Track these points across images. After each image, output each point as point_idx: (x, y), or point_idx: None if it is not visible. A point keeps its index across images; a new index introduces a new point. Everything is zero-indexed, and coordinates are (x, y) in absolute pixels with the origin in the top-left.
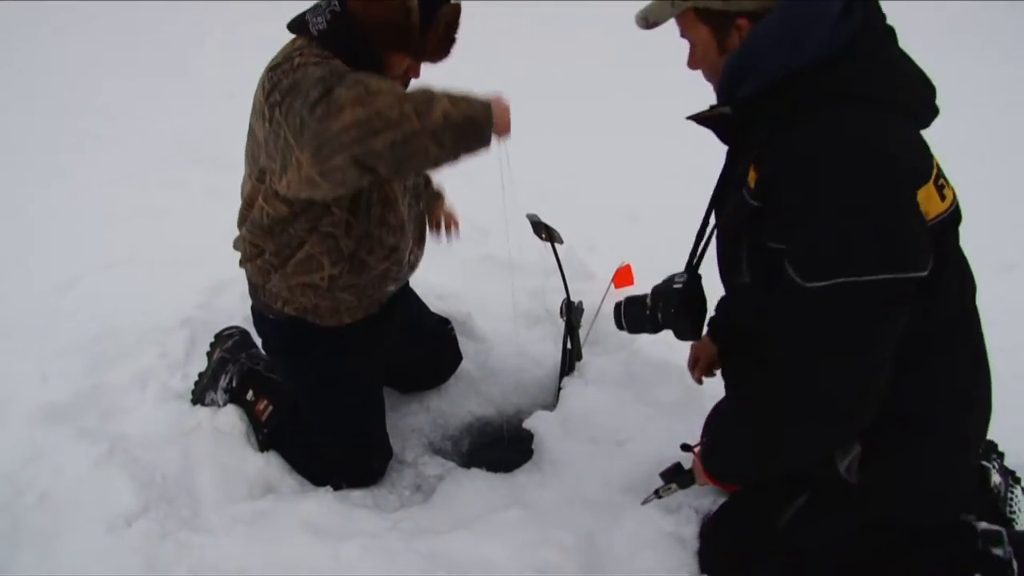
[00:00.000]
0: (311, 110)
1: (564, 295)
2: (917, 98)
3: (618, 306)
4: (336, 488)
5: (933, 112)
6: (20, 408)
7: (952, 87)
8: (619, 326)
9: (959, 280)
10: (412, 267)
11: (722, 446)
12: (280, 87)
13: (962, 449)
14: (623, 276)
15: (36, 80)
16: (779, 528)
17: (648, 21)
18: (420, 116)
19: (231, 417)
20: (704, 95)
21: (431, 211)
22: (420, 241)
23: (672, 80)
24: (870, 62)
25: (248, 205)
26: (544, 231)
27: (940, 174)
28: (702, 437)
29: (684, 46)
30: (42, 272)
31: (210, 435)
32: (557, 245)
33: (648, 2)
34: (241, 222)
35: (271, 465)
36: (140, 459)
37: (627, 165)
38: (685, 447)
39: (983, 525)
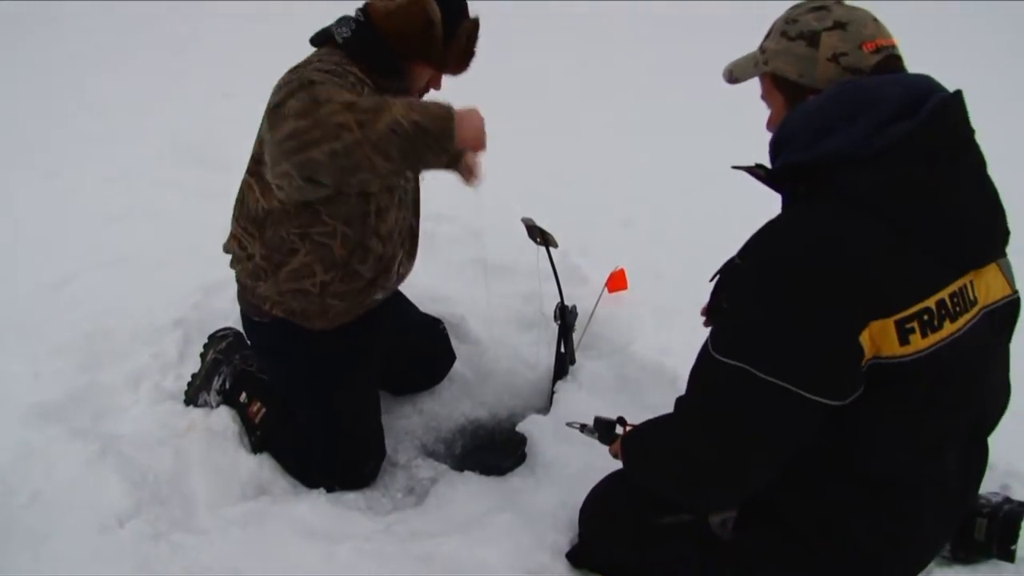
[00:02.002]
0: (267, 117)
1: (558, 299)
2: (946, 235)
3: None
4: (329, 490)
5: (972, 257)
6: (12, 407)
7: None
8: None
9: (919, 446)
10: (401, 278)
11: (632, 445)
12: (279, 85)
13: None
14: (617, 280)
15: (31, 78)
16: (654, 524)
17: (732, 75)
18: (362, 126)
19: (224, 418)
20: (694, 102)
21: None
22: (411, 254)
23: (668, 84)
24: (892, 176)
25: (242, 194)
26: (539, 235)
27: (921, 317)
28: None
29: (680, 53)
30: (35, 271)
31: (203, 436)
32: (552, 249)
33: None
34: (235, 217)
35: (264, 467)
36: (133, 459)
37: (621, 169)
38: (621, 420)
39: None
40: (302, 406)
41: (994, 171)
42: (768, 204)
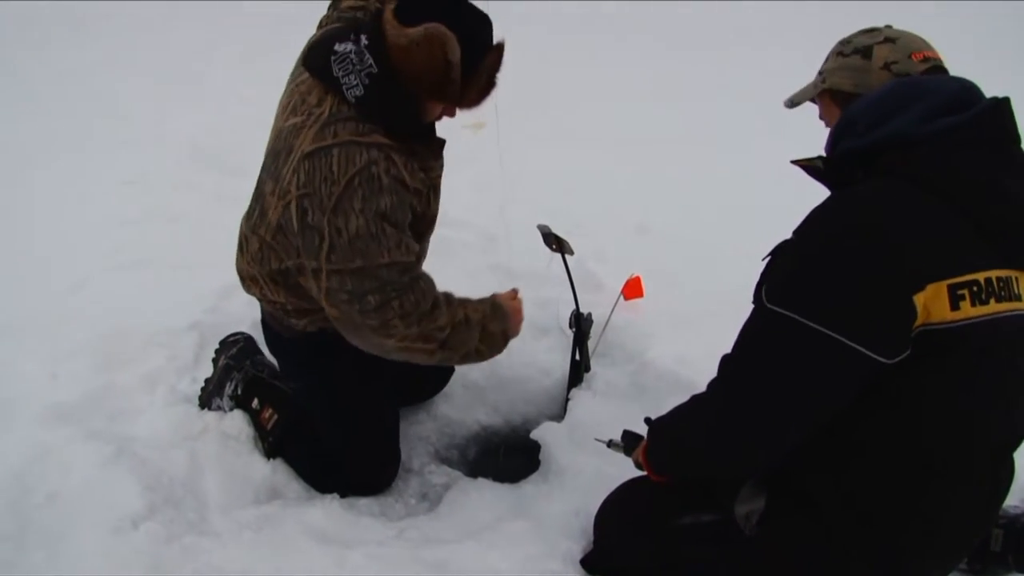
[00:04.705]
0: (363, 313)
1: (573, 306)
2: (997, 218)
3: None
4: (342, 496)
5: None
6: (29, 408)
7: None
8: None
9: (960, 425)
10: None
11: (659, 434)
12: (319, 194)
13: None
14: (633, 287)
15: (50, 81)
16: (673, 525)
17: (793, 102)
18: (453, 349)
19: (238, 421)
20: (712, 108)
21: None
22: None
23: (683, 88)
24: (944, 157)
25: (262, 253)
26: (555, 242)
27: (971, 287)
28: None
29: (697, 59)
30: (53, 272)
31: (217, 439)
32: (567, 256)
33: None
34: (251, 261)
35: (277, 470)
36: (147, 461)
37: (638, 175)
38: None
39: None
40: (326, 417)
41: None
42: (789, 209)
